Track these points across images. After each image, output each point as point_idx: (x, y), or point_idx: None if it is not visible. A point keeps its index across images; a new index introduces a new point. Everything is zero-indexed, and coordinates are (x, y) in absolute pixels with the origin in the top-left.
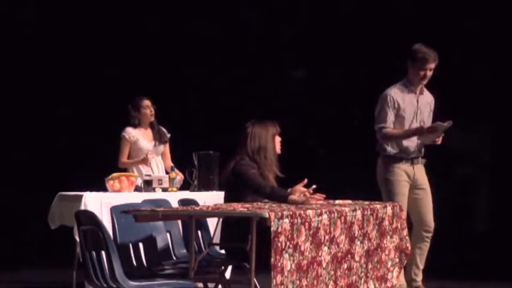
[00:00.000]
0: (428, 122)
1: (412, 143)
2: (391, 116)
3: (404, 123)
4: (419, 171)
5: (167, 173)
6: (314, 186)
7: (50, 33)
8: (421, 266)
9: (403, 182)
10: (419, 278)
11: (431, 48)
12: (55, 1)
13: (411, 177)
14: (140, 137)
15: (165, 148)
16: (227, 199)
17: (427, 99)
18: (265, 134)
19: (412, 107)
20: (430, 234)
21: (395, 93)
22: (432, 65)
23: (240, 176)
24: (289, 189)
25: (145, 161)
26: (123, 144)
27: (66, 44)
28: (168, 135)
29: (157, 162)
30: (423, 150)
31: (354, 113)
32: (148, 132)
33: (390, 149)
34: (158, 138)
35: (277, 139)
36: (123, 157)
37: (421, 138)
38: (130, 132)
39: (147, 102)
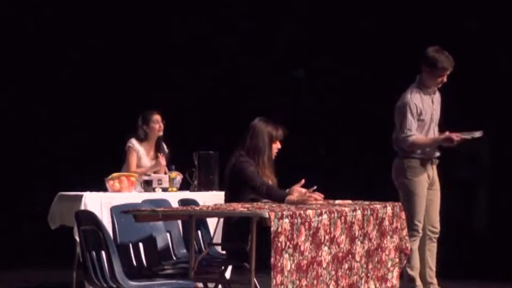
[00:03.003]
0: (438, 120)
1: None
2: (414, 124)
3: (424, 126)
4: (435, 172)
5: None
6: (315, 187)
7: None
8: (434, 268)
9: (424, 182)
10: (435, 280)
11: (446, 52)
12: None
13: (430, 178)
14: (143, 154)
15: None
16: (227, 196)
17: (438, 97)
18: (263, 135)
19: (429, 109)
20: (436, 235)
21: (416, 99)
22: (450, 71)
23: (239, 173)
24: (287, 190)
25: (158, 164)
26: (131, 155)
27: (71, 48)
28: (167, 151)
29: None
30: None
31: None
32: (151, 149)
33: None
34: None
35: (276, 145)
36: (133, 167)
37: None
38: (135, 145)
39: (157, 117)
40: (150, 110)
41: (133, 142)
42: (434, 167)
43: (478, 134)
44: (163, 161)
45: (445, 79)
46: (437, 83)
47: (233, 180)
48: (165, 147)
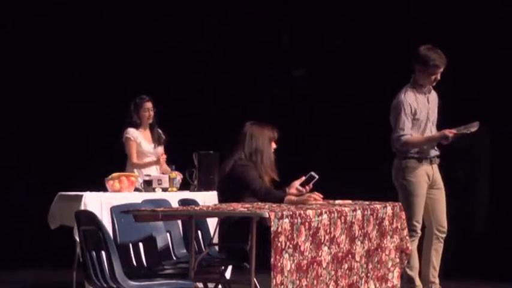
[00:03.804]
0: (436, 120)
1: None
2: (408, 124)
3: (420, 125)
4: (436, 171)
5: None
6: (313, 174)
7: (51, 32)
8: (437, 268)
9: (423, 183)
10: (437, 280)
11: (438, 50)
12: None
13: (430, 178)
14: (142, 139)
15: (161, 150)
16: (224, 199)
17: (434, 97)
18: (262, 137)
19: (425, 108)
20: (443, 235)
21: (410, 98)
22: (442, 68)
23: (240, 177)
24: (286, 188)
25: (159, 162)
26: (130, 145)
27: (68, 44)
28: (164, 137)
29: (156, 166)
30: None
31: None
32: (148, 134)
33: (411, 150)
34: (156, 140)
35: (273, 145)
36: (134, 158)
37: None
38: (133, 133)
39: (148, 105)
40: (142, 97)
41: (130, 131)
42: (435, 166)
43: (474, 128)
44: (163, 159)
45: (438, 77)
46: (431, 81)
47: (232, 184)
48: (160, 132)
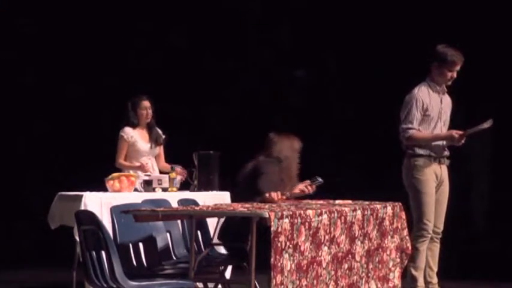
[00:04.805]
0: (448, 123)
1: (440, 142)
2: (418, 118)
3: (430, 123)
4: (445, 172)
5: (161, 173)
6: (319, 180)
7: (50, 33)
8: (435, 268)
9: (432, 181)
10: (435, 280)
11: (455, 48)
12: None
13: (438, 177)
14: (138, 138)
15: (160, 149)
16: (241, 193)
17: (448, 101)
18: (291, 149)
19: (437, 107)
20: (438, 236)
21: (423, 94)
22: (459, 66)
23: (258, 172)
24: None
25: (142, 167)
26: (121, 144)
27: (66, 46)
28: (163, 137)
29: (153, 164)
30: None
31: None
32: (145, 134)
33: (419, 149)
34: (154, 140)
35: None
36: (120, 157)
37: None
38: (129, 133)
39: (145, 104)
40: (139, 96)
41: (126, 130)
42: (444, 167)
43: (488, 124)
44: (147, 167)
45: (454, 75)
46: (447, 79)
47: (250, 179)
48: (160, 132)
